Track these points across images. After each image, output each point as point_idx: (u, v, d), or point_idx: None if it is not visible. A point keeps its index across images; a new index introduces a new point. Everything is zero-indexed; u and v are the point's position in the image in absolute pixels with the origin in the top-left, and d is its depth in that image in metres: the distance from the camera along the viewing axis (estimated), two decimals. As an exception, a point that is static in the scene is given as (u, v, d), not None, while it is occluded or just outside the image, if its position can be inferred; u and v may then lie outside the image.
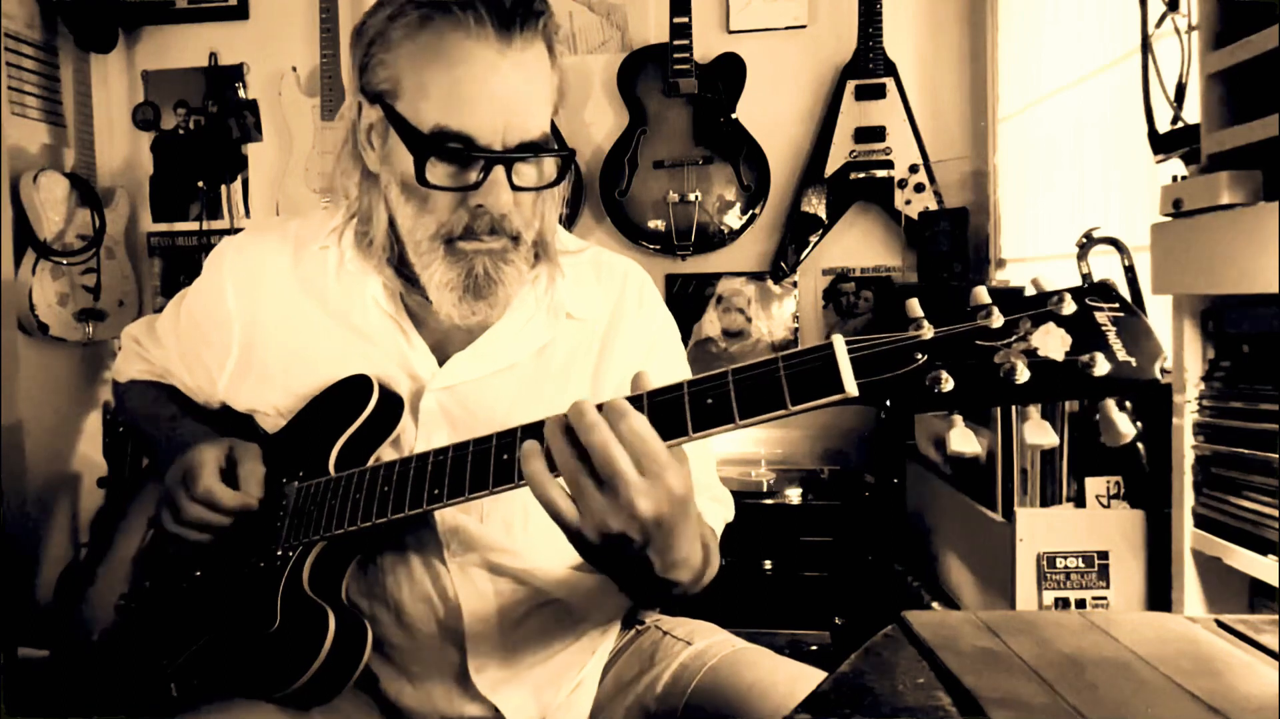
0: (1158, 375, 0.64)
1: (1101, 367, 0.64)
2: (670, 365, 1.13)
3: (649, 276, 1.16)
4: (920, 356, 0.69)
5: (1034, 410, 0.69)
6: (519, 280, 0.99)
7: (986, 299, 0.68)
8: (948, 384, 0.67)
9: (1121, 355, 0.64)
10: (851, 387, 0.69)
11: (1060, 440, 1.63)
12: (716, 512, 1.10)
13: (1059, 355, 0.65)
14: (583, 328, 1.07)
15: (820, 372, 0.71)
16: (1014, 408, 0.70)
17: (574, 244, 1.11)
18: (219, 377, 1.10)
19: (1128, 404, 0.72)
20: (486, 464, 0.83)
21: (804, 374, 0.71)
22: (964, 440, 0.71)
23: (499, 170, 0.91)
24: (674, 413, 0.76)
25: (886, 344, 0.70)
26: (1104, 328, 0.65)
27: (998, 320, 0.67)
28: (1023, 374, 0.65)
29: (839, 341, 0.71)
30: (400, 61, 0.92)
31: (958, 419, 0.71)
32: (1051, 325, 0.66)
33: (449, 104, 0.89)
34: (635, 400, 0.77)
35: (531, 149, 0.93)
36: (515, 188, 0.93)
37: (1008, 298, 0.68)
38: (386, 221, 0.99)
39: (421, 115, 0.91)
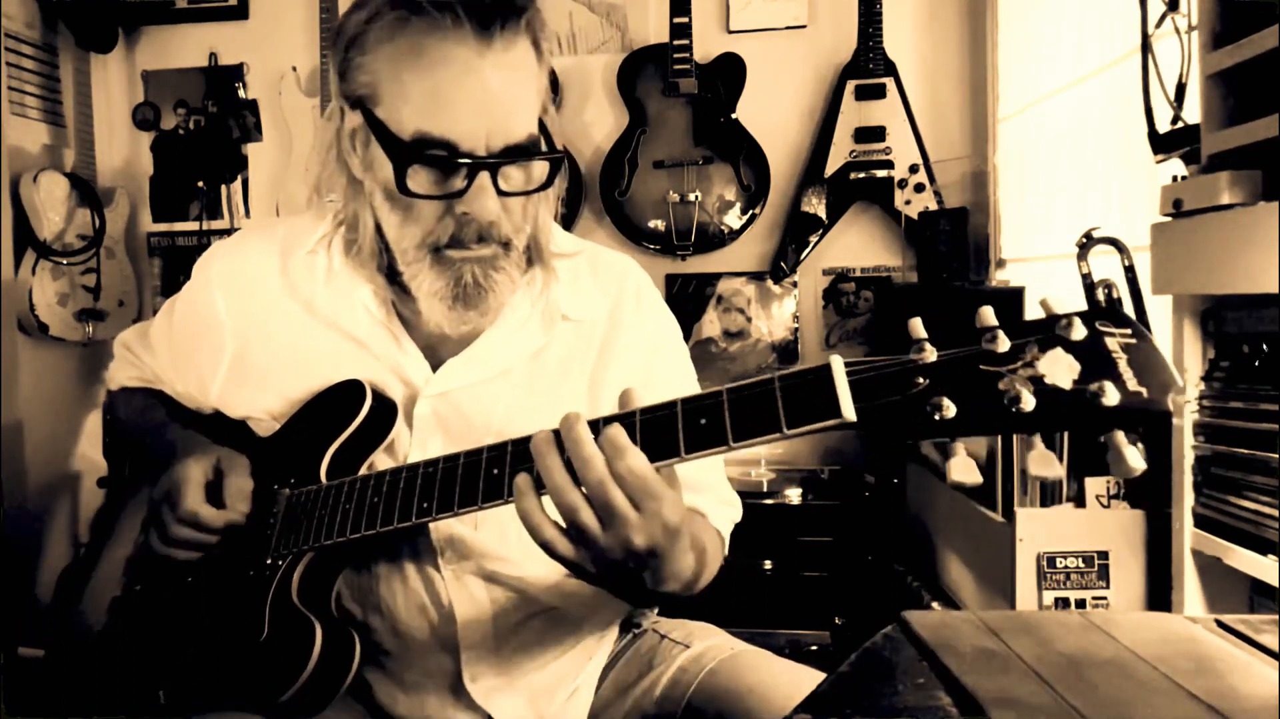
0: (1169, 407, 0.61)
1: (1111, 396, 0.60)
2: (674, 367, 1.11)
3: (647, 275, 1.14)
4: (921, 381, 0.65)
5: (1039, 440, 0.66)
6: (510, 287, 0.96)
7: (992, 321, 0.65)
8: (949, 411, 0.64)
9: (1132, 385, 0.61)
10: (849, 411, 0.66)
11: (1060, 450, 1.62)
12: (724, 513, 1.09)
13: (1066, 383, 0.62)
14: (579, 330, 1.05)
15: (817, 394, 0.68)
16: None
17: (570, 245, 1.09)
18: (211, 383, 1.09)
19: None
20: (476, 479, 0.83)
21: (800, 396, 0.69)
22: (965, 470, 0.67)
23: (484, 176, 0.88)
24: (666, 433, 0.74)
25: (886, 367, 0.67)
26: (1114, 355, 0.62)
27: (1003, 344, 0.64)
28: (1028, 402, 0.62)
29: (837, 363, 0.68)
30: (378, 65, 0.89)
31: (959, 447, 0.68)
32: (1059, 351, 0.63)
33: (429, 109, 0.86)
34: (626, 419, 0.75)
35: (517, 153, 0.90)
36: (502, 193, 0.90)
37: (1016, 322, 0.65)
38: (373, 229, 0.97)
39: (401, 121, 0.88)
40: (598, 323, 1.06)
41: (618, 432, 0.73)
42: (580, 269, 1.08)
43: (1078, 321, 0.63)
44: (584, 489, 0.73)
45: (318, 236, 1.04)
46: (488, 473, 0.82)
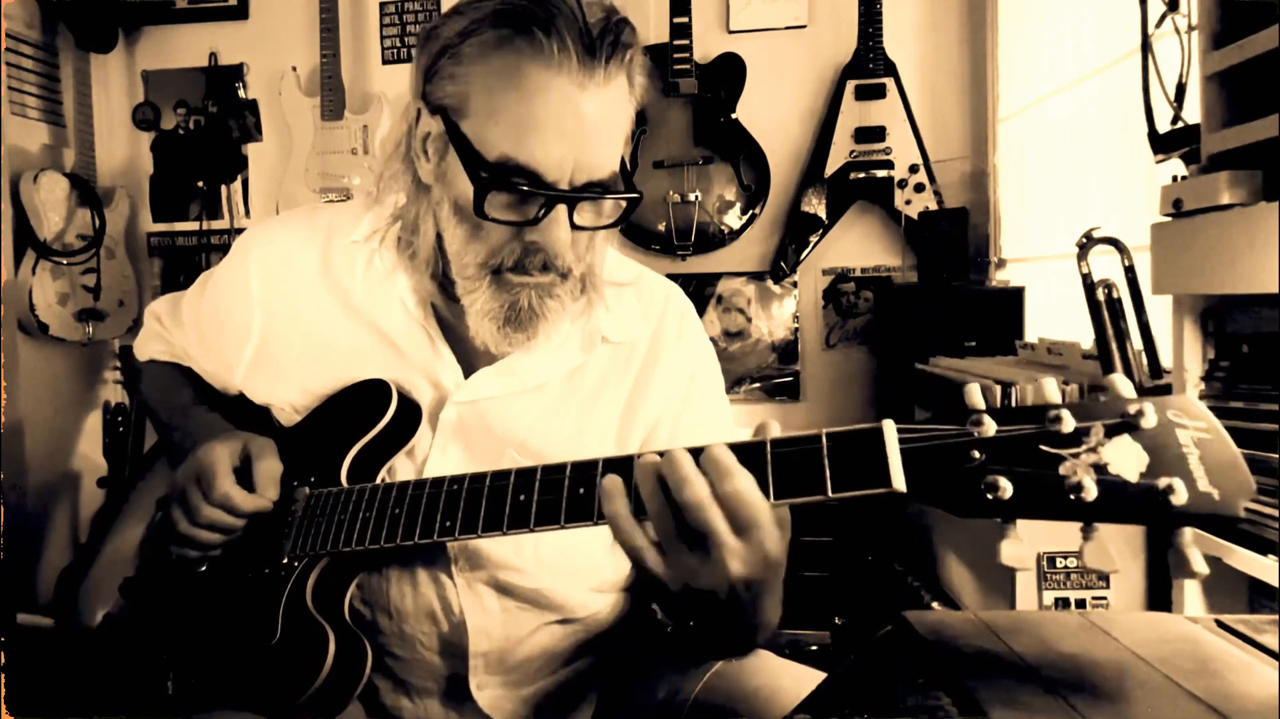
0: (1241, 512, 0.57)
1: (1180, 495, 0.56)
2: (710, 399, 1.09)
3: (690, 303, 1.12)
4: (978, 456, 0.62)
5: (1097, 531, 0.61)
6: (562, 314, 0.95)
7: (1056, 397, 0.62)
8: (1005, 492, 0.60)
9: (1203, 485, 0.57)
10: (900, 482, 0.63)
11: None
12: None
13: (1133, 475, 0.58)
14: (618, 352, 1.04)
15: (867, 459, 0.65)
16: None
17: (621, 274, 1.06)
18: (236, 365, 1.08)
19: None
20: (502, 503, 0.81)
21: (849, 459, 0.66)
22: (1017, 557, 0.64)
23: (560, 209, 0.86)
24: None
25: (942, 438, 0.63)
26: (1186, 449, 0.58)
27: (1068, 425, 0.60)
28: (1090, 492, 0.58)
29: (889, 429, 0.65)
30: (471, 79, 0.86)
31: (1010, 529, 0.64)
32: (1127, 439, 0.59)
33: (519, 135, 0.84)
34: (695, 451, 0.72)
35: (598, 189, 0.88)
36: (575, 227, 0.88)
37: (1081, 404, 0.61)
38: (434, 237, 0.95)
39: (487, 141, 0.85)
40: (638, 347, 1.05)
41: (724, 452, 0.69)
42: (625, 292, 1.06)
43: (1150, 409, 0.59)
44: (684, 513, 0.69)
45: (367, 228, 1.02)
46: (514, 499, 0.80)
